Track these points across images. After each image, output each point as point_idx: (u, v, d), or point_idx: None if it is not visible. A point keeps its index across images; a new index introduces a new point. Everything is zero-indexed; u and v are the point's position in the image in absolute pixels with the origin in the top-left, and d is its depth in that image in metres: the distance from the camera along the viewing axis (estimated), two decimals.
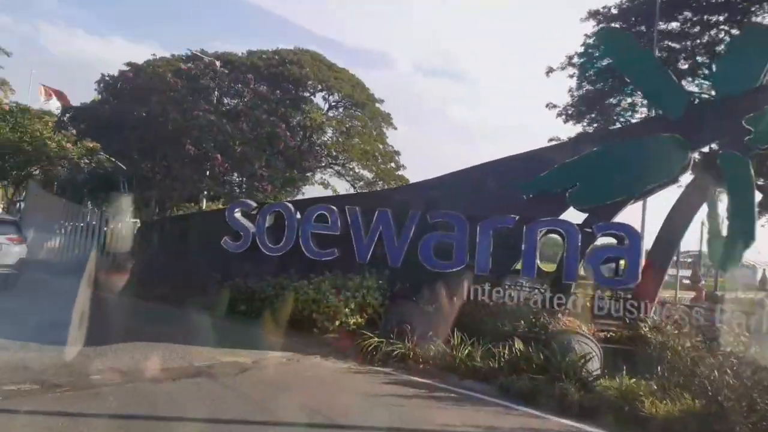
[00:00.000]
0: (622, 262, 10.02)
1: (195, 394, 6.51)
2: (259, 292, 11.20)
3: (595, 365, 7.59)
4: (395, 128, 38.11)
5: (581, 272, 9.90)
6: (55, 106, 23.37)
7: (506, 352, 7.83)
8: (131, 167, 17.67)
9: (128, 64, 17.04)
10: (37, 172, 24.56)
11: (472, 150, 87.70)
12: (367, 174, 33.95)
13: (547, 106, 23.59)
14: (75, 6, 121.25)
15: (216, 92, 18.50)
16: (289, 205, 11.96)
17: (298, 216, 11.60)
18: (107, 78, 17.37)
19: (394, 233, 10.55)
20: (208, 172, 16.49)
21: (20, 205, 27.56)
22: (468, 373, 7.75)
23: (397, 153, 36.94)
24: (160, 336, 9.08)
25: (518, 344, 7.98)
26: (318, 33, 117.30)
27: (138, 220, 19.69)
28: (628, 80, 14.86)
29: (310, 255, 11.21)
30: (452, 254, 10.03)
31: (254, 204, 12.49)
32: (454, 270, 9.98)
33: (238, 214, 12.38)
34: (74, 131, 21.62)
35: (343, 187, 31.02)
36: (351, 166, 35.73)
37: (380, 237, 10.70)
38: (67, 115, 18.66)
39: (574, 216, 10.13)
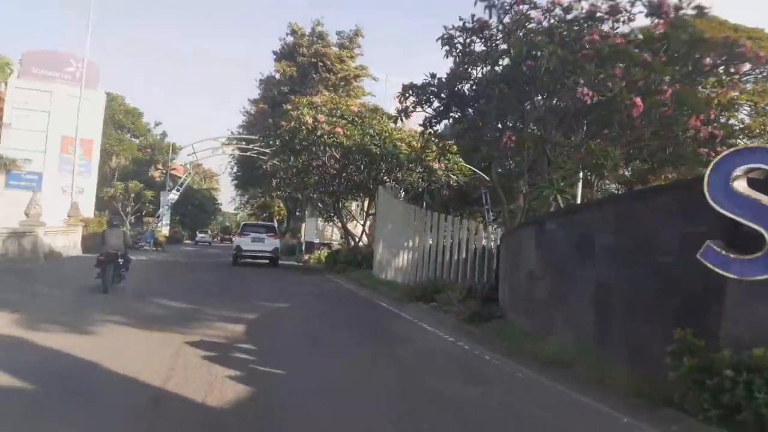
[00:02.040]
0: None
1: None
2: None
3: None
4: None
5: None
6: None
7: None
8: (491, 144, 11.93)
9: None
10: (389, 181, 21.74)
11: None
12: None
13: None
14: None
15: (608, 18, 11.29)
16: None
17: None
18: (452, 28, 12.11)
19: None
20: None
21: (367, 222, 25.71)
22: None
23: None
24: None
25: None
26: None
27: (500, 228, 13.99)
28: None
29: None
30: None
31: None
32: None
33: (740, 184, 4.84)
34: (420, 126, 17.49)
35: None
36: None
37: None
38: (410, 98, 14.13)
39: None
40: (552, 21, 11.52)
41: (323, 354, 7.53)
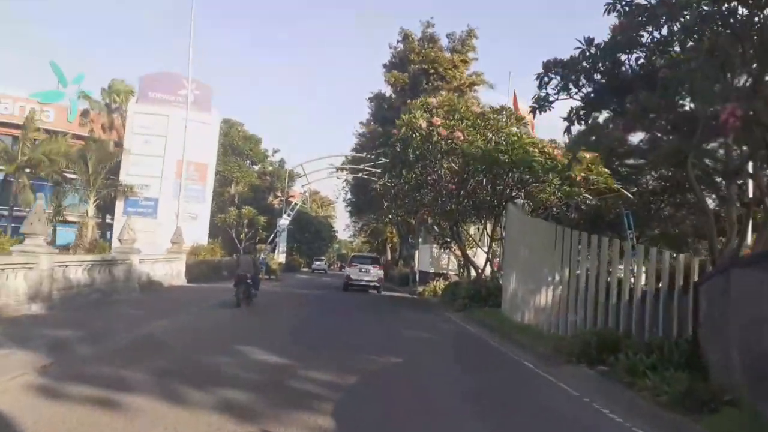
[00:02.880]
0: None
1: None
2: None
3: None
4: None
5: None
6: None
7: None
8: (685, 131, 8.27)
9: None
10: (519, 196, 18.14)
11: None
12: None
13: None
14: None
15: None
16: None
17: None
18: None
19: None
20: None
21: (493, 248, 21.92)
22: None
23: None
24: None
25: None
26: None
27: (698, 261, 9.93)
28: None
29: None
30: None
31: None
32: None
33: None
34: (563, 119, 13.82)
35: None
36: None
37: None
38: (552, 80, 10.81)
39: None
40: None
41: None
